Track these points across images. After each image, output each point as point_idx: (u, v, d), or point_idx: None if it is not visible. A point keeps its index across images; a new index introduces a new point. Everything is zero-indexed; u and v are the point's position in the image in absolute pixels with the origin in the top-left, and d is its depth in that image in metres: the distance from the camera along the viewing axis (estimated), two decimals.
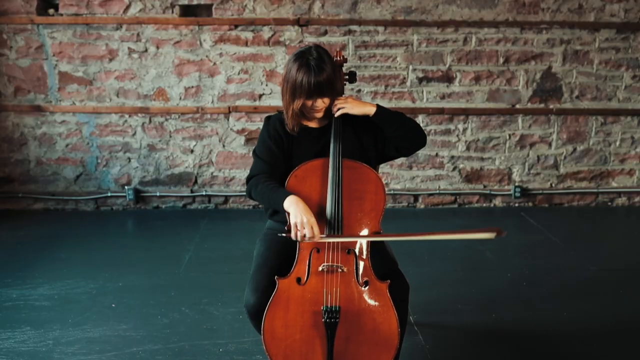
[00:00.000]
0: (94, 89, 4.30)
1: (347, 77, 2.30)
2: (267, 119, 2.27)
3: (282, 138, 2.20)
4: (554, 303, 3.00)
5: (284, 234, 1.99)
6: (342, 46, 4.27)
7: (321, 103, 2.11)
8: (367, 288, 1.97)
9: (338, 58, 2.23)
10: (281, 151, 2.19)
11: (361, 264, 2.00)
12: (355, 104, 2.17)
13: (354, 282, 1.97)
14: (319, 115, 2.16)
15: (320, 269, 1.97)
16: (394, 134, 2.19)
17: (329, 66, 2.07)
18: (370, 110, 2.17)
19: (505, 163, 4.57)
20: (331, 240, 1.99)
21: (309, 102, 2.10)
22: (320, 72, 2.04)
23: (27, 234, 3.97)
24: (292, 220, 1.95)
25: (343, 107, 2.16)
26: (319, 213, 2.03)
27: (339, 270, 1.97)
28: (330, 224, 2.01)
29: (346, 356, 1.94)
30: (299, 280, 1.97)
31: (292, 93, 2.08)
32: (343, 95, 2.22)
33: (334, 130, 2.16)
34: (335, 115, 2.16)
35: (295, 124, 2.16)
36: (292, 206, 1.97)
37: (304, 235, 1.92)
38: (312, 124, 2.23)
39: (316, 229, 1.94)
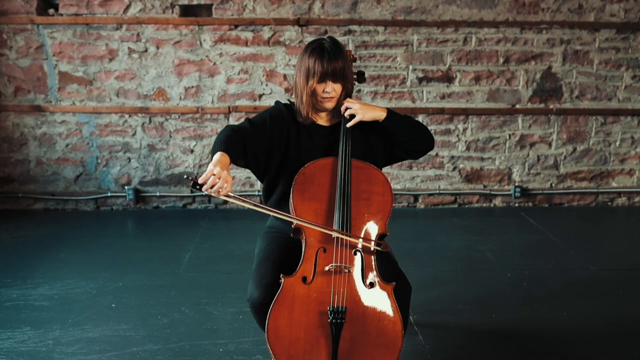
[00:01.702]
0: (94, 89, 4.30)
1: (355, 76, 2.31)
2: (281, 103, 2.26)
3: (284, 124, 2.18)
4: (554, 303, 3.00)
5: (188, 176, 1.84)
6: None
7: (332, 89, 2.11)
8: (372, 289, 1.96)
9: (349, 57, 2.25)
10: (274, 134, 2.16)
11: (367, 265, 1.99)
12: (366, 109, 2.16)
13: (360, 283, 1.96)
14: (330, 104, 2.15)
15: (326, 269, 1.96)
16: (403, 139, 2.20)
17: (342, 53, 2.10)
18: (381, 115, 2.17)
19: (505, 163, 4.57)
20: (238, 202, 1.92)
21: (320, 88, 2.10)
22: (334, 55, 2.07)
23: (27, 234, 3.97)
24: (209, 167, 1.85)
25: (355, 115, 2.15)
26: (327, 212, 2.03)
27: (346, 270, 1.97)
28: (339, 224, 2.01)
29: (350, 357, 1.93)
30: (304, 279, 1.96)
31: (305, 76, 2.10)
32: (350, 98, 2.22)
33: (343, 129, 2.16)
34: (348, 125, 2.16)
35: (308, 110, 2.15)
36: (217, 157, 1.90)
37: (212, 186, 1.81)
38: (322, 121, 2.23)
39: (228, 185, 1.84)
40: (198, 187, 1.82)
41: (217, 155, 1.92)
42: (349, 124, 2.17)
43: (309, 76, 2.09)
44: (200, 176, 1.83)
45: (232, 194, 1.88)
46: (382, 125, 2.19)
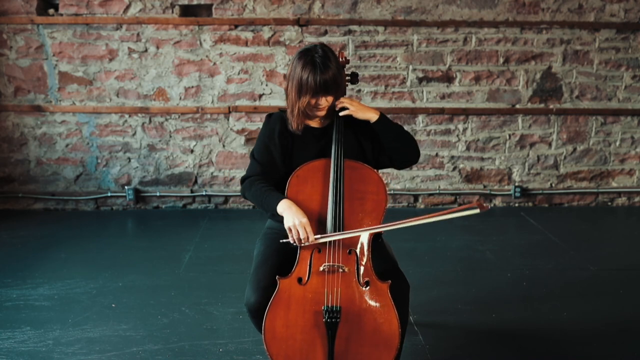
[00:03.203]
0: (94, 89, 4.30)
1: (348, 77, 2.31)
2: (268, 117, 2.27)
3: (282, 137, 2.20)
4: (554, 303, 3.00)
5: (285, 240, 2.02)
6: (342, 46, 4.27)
7: (325, 102, 2.11)
8: (368, 288, 1.96)
9: (341, 59, 2.24)
10: (281, 151, 2.19)
11: (362, 264, 2.00)
12: (360, 107, 2.17)
13: (354, 282, 1.97)
14: (322, 114, 2.16)
15: (321, 269, 1.97)
16: (390, 145, 2.20)
17: (334, 64, 2.08)
18: (373, 116, 2.18)
19: (505, 163, 4.57)
20: (327, 239, 1.99)
21: (313, 101, 2.10)
22: (326, 69, 2.05)
23: (27, 234, 3.97)
24: (286, 224, 1.98)
25: (348, 109, 2.16)
26: (320, 213, 2.03)
27: (340, 270, 1.97)
28: (332, 224, 2.01)
29: (347, 356, 1.94)
30: (300, 280, 1.97)
31: (297, 91, 2.08)
32: (346, 96, 2.22)
33: (336, 130, 2.16)
34: (340, 114, 2.17)
35: (299, 122, 2.16)
36: (286, 210, 2.00)
37: (300, 239, 1.96)
38: (314, 124, 2.24)
39: (309, 230, 1.96)
40: (294, 245, 2.01)
41: (284, 204, 2.03)
42: (341, 113, 2.17)
43: (302, 91, 2.07)
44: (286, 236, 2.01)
45: (319, 236, 1.99)
46: (372, 128, 2.20)
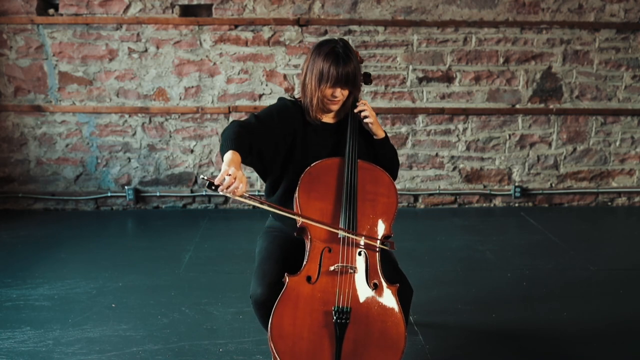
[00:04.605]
0: (94, 89, 4.30)
1: (361, 77, 2.32)
2: (284, 99, 2.25)
3: (290, 122, 2.18)
4: (554, 303, 3.00)
5: (205, 177, 1.83)
6: None
7: (340, 94, 2.13)
8: (376, 290, 1.96)
9: (358, 61, 2.26)
10: (280, 132, 2.15)
11: (372, 266, 2.00)
12: (376, 122, 2.25)
13: (364, 284, 1.97)
14: (335, 107, 2.17)
15: (331, 269, 1.96)
16: (380, 162, 2.25)
17: (354, 58, 2.11)
18: (381, 134, 2.26)
19: (505, 163, 4.57)
20: (253, 203, 1.98)
21: (330, 91, 2.11)
22: (348, 61, 2.08)
23: (27, 234, 3.97)
24: (223, 167, 1.84)
25: (369, 117, 2.21)
26: (333, 213, 2.04)
27: (351, 271, 1.97)
28: (344, 223, 2.01)
29: (354, 357, 1.92)
30: (309, 278, 1.95)
31: (318, 80, 2.10)
32: (365, 101, 2.28)
33: (350, 129, 2.18)
34: (365, 121, 2.22)
35: (318, 111, 2.18)
36: (229, 157, 1.88)
37: (228, 187, 1.81)
38: (327, 119, 2.25)
39: (243, 185, 1.83)
40: (214, 187, 1.81)
41: (229, 154, 1.90)
42: (365, 120, 2.22)
43: (322, 80, 2.09)
44: (215, 177, 1.82)
45: (247, 194, 1.88)
46: (373, 143, 2.26)
